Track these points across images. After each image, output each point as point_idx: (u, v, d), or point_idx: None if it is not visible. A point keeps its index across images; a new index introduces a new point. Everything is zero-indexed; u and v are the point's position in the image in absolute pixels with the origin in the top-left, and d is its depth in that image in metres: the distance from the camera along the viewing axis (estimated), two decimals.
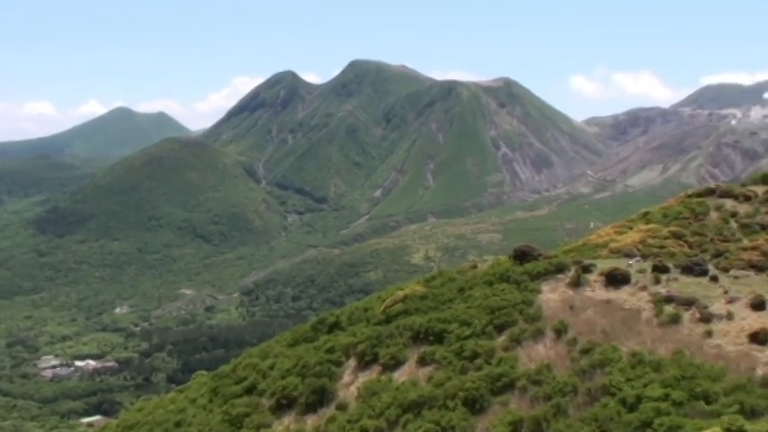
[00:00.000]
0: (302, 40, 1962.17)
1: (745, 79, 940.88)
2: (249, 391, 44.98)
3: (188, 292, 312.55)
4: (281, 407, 41.17)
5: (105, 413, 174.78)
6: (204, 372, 66.70)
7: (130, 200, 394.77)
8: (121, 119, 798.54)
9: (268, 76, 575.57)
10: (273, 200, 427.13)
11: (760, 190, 63.09)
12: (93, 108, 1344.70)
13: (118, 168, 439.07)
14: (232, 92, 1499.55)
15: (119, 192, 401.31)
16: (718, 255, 50.03)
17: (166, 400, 55.88)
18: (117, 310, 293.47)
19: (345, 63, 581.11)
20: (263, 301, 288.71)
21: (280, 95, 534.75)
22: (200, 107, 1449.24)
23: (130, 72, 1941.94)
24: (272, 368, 46.39)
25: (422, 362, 39.16)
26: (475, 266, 54.57)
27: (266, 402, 42.52)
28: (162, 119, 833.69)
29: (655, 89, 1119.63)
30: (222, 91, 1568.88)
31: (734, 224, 57.68)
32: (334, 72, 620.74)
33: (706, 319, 34.92)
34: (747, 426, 19.79)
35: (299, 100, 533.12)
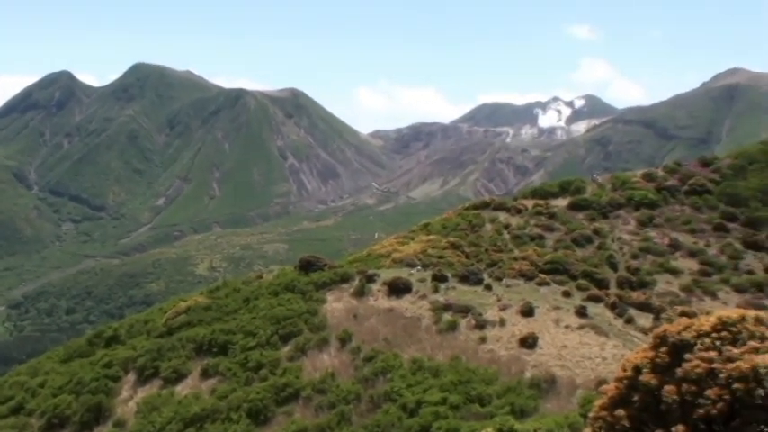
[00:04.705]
0: (79, 39, 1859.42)
1: (517, 99, 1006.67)
2: (16, 411, 41.71)
3: None
4: (52, 427, 38.64)
5: None
6: None
7: None
8: None
9: (41, 75, 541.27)
10: (46, 207, 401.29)
11: (530, 204, 67.52)
12: None
13: None
14: None
15: None
16: (492, 264, 52.86)
17: None
18: None
19: (126, 66, 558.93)
20: (33, 315, 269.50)
21: (54, 97, 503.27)
22: None
23: None
24: (42, 386, 43.42)
25: (205, 374, 38.31)
26: (260, 277, 54.22)
27: (36, 422, 39.68)
28: None
29: (437, 105, 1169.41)
30: None
31: (506, 235, 61.28)
32: (115, 75, 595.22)
33: (481, 325, 36.72)
34: (517, 425, 20.89)
35: (76, 102, 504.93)
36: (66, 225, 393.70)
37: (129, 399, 39.03)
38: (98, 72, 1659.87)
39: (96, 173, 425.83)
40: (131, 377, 40.90)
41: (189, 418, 33.28)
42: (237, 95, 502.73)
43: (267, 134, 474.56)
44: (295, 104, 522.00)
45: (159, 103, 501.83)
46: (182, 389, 37.92)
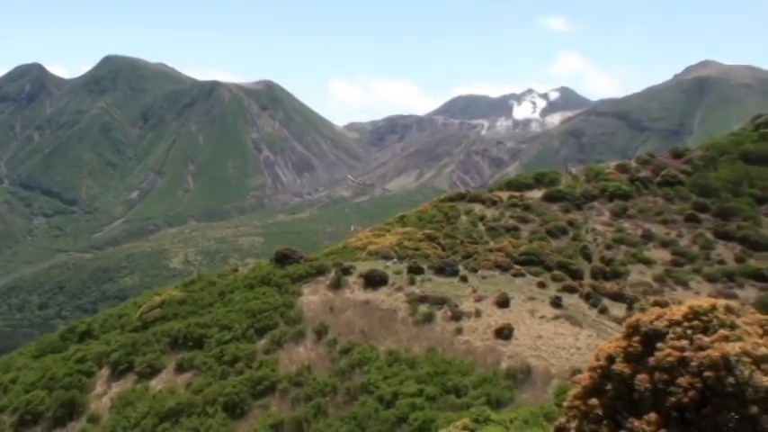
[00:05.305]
0: (49, 31, 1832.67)
1: (493, 91, 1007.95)
2: None
3: None
4: (24, 423, 38.26)
5: None
6: None
7: None
8: None
9: (10, 67, 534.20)
10: (17, 201, 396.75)
11: (504, 195, 67.83)
12: None
13: None
14: None
15: None
16: (467, 256, 53.06)
17: None
18: None
19: (98, 58, 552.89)
20: (4, 310, 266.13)
21: (25, 89, 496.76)
22: None
23: None
24: (14, 382, 42.99)
25: (180, 368, 38.15)
26: (236, 270, 54.10)
27: (8, 419, 39.28)
28: None
29: (412, 97, 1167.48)
30: None
31: (482, 227, 61.52)
32: (86, 67, 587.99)
33: (456, 317, 36.89)
34: (493, 416, 21.05)
35: (47, 95, 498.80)
36: (37, 219, 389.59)
37: (103, 394, 38.78)
38: (69, 64, 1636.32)
39: (68, 166, 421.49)
40: (105, 372, 40.64)
41: (164, 413, 33.13)
42: (211, 88, 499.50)
43: (242, 127, 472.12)
44: (270, 97, 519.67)
45: (132, 95, 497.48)
46: (156, 383, 37.75)
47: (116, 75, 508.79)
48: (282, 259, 48.34)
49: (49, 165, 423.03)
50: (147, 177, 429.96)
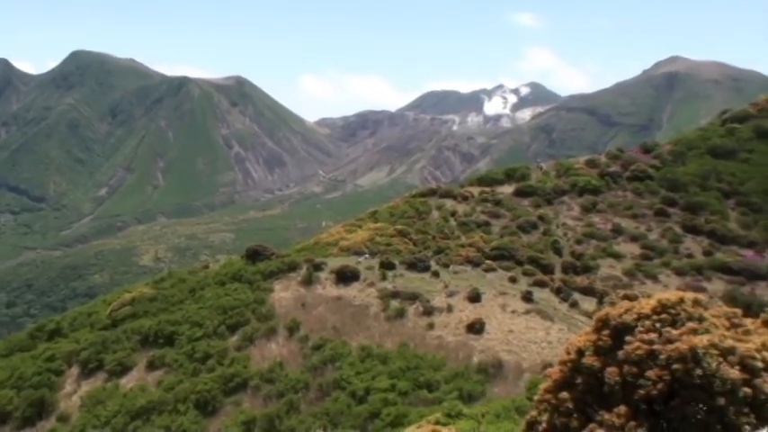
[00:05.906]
0: (15, 27, 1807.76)
1: (464, 87, 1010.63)
2: None
3: None
4: None
5: None
6: None
7: None
8: None
9: None
10: None
11: (476, 191, 68.10)
12: None
13: None
14: None
15: None
16: (439, 251, 53.23)
17: None
18: None
19: (65, 53, 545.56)
20: None
21: None
22: None
23: None
24: None
25: (151, 366, 37.93)
26: (207, 267, 53.82)
27: None
28: None
29: (384, 93, 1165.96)
30: None
31: (453, 222, 61.73)
32: (53, 62, 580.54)
33: (428, 312, 37.00)
34: (465, 410, 21.15)
35: (14, 90, 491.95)
36: (4, 216, 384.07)
37: (73, 393, 38.44)
38: (36, 60, 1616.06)
39: (35, 163, 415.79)
40: (75, 371, 40.27)
41: (135, 411, 32.92)
42: (181, 83, 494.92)
43: (212, 123, 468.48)
44: (240, 92, 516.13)
45: (100, 91, 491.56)
46: (127, 381, 37.49)
47: (84, 70, 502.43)
48: (254, 255, 48.20)
49: (15, 161, 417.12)
50: (115, 174, 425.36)
